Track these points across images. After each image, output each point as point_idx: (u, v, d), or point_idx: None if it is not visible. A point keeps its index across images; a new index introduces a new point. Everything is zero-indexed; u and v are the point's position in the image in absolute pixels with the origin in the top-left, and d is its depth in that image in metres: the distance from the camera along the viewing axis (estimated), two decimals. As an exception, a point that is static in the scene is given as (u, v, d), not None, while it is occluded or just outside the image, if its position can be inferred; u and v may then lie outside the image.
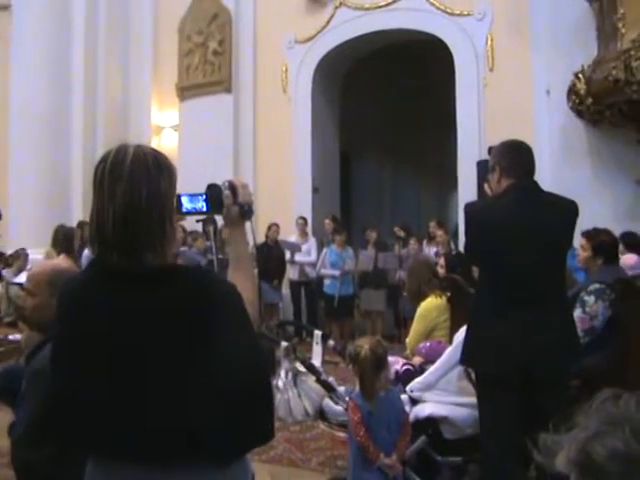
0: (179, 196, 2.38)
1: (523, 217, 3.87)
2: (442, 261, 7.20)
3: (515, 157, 4.04)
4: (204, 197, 2.46)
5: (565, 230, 3.98)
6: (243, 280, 2.33)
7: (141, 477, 2.02)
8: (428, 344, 5.53)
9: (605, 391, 1.18)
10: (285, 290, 12.64)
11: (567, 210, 4.00)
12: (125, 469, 2.03)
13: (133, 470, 2.02)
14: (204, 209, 2.48)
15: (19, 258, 12.72)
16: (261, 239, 11.81)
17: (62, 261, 3.73)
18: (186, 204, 2.45)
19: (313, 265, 12.33)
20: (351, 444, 4.57)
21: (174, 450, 2.00)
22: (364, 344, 4.48)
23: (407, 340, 6.16)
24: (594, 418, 1.13)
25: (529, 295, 3.81)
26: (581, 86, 9.62)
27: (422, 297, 6.05)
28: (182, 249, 10.98)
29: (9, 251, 13.21)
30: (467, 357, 4.14)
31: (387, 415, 4.46)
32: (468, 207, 4.21)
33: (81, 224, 11.69)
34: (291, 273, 12.54)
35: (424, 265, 6.59)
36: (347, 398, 4.78)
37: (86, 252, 9.61)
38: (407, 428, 4.55)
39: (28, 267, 11.48)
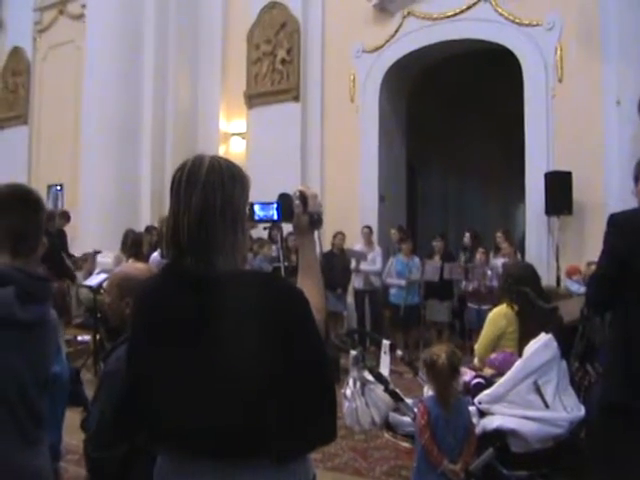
0: (252, 204, 2.48)
1: None
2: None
3: None
4: (276, 206, 2.56)
5: None
6: (311, 287, 2.40)
7: (207, 471, 2.09)
8: (501, 356, 5.48)
9: None
10: (349, 299, 12.62)
11: None
12: (193, 464, 2.11)
13: (200, 465, 2.10)
14: (275, 217, 2.58)
15: (87, 261, 12.93)
16: (327, 247, 11.84)
17: (139, 266, 3.85)
18: (258, 212, 2.56)
19: (378, 274, 12.30)
20: (417, 447, 4.60)
21: (240, 447, 2.06)
22: (441, 352, 4.51)
23: (475, 347, 6.11)
24: None
25: None
26: (653, 96, 9.50)
27: (501, 300, 5.93)
28: (248, 255, 11.04)
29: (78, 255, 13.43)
30: (625, 390, 3.74)
31: (455, 422, 4.49)
32: (615, 217, 3.85)
33: (149, 229, 11.87)
34: (356, 282, 12.49)
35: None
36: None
37: (154, 255, 9.74)
38: (473, 437, 4.57)
39: (97, 270, 11.65)
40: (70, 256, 12.78)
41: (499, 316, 5.84)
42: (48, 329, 2.56)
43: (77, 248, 13.69)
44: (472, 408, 4.86)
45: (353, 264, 12.32)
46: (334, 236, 12.25)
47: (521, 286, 5.70)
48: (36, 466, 2.50)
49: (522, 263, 9.71)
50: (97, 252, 12.83)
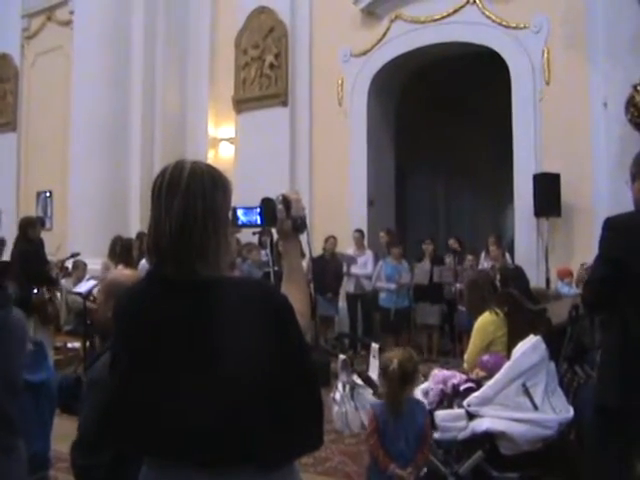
0: (235, 209, 2.46)
1: None
2: (498, 276, 7.14)
3: None
4: (258, 211, 2.54)
5: None
6: (295, 291, 2.40)
7: (191, 479, 2.07)
8: (493, 358, 5.45)
9: None
10: (342, 303, 12.60)
11: None
12: (176, 471, 2.09)
13: (184, 472, 2.08)
14: (258, 222, 2.56)
15: (78, 268, 12.85)
16: (318, 252, 11.83)
17: (126, 272, 3.85)
18: (241, 217, 2.54)
19: (369, 278, 12.26)
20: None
21: (223, 454, 2.05)
22: (394, 358, 4.48)
23: (465, 356, 6.09)
24: None
25: None
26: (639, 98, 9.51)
27: (483, 309, 5.94)
28: (237, 260, 11.00)
29: (68, 261, 13.35)
30: (620, 392, 3.72)
31: (406, 428, 4.44)
32: (612, 221, 3.81)
33: (140, 235, 11.80)
34: (348, 286, 12.47)
35: (486, 278, 6.48)
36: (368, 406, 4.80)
37: (142, 262, 9.70)
38: (426, 445, 4.53)
39: (87, 277, 11.60)
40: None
41: (486, 323, 5.84)
42: (11, 333, 2.55)
43: (66, 254, 13.61)
44: (461, 411, 4.86)
45: (344, 268, 12.31)
46: (325, 240, 12.24)
47: (508, 288, 5.71)
48: (10, 474, 2.47)
49: (511, 265, 9.75)
50: (75, 254, 12.73)
